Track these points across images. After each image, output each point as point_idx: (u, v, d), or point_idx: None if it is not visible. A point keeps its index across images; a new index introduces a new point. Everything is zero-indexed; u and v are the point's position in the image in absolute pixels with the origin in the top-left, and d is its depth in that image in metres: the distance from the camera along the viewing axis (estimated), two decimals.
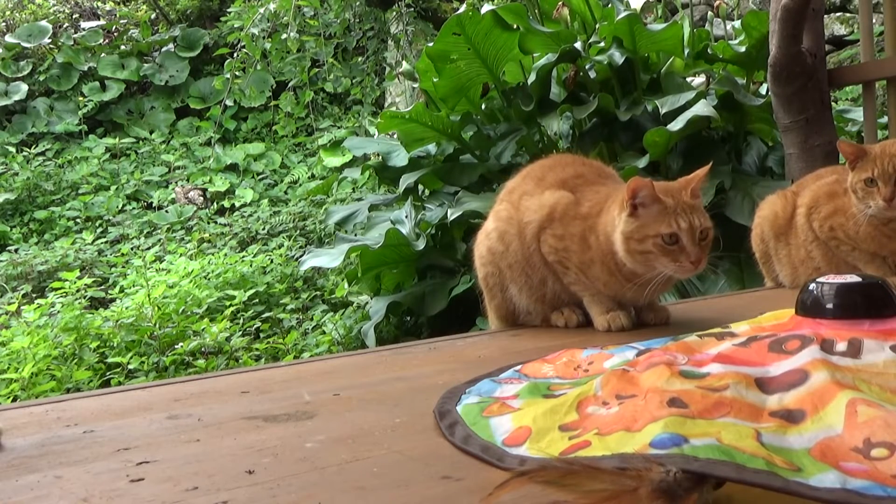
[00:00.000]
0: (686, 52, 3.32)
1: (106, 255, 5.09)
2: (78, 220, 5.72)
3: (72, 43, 7.12)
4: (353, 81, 6.61)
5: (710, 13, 4.62)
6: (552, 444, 0.76)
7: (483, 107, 3.55)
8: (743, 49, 3.20)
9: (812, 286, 0.91)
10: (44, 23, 7.25)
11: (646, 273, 1.35)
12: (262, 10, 5.59)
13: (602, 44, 3.28)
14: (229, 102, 6.54)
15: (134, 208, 5.90)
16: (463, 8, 3.25)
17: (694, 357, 0.87)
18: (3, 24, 7.59)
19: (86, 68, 7.04)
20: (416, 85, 4.19)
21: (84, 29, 7.43)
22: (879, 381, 0.76)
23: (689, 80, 3.23)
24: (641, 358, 0.90)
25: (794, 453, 0.66)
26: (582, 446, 0.73)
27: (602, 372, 0.97)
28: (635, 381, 0.83)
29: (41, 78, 6.91)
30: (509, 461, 0.75)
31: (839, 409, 0.70)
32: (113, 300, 4.20)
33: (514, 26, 3.18)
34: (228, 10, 6.36)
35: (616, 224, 1.35)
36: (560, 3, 3.50)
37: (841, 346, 0.81)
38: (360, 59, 6.71)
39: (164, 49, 7.31)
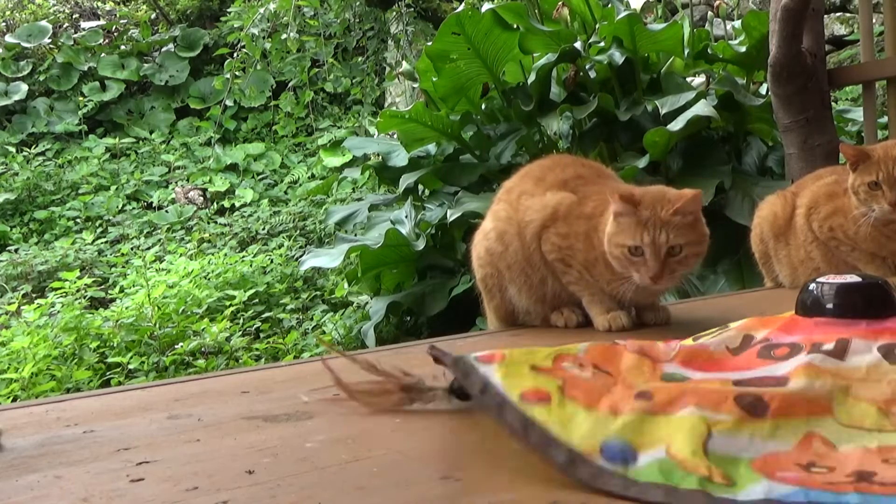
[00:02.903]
0: (686, 52, 3.32)
1: (106, 255, 5.10)
2: (78, 220, 5.72)
3: (72, 43, 7.12)
4: (353, 81, 6.62)
5: (710, 13, 4.62)
6: (519, 377, 0.79)
7: (483, 107, 3.55)
8: (743, 49, 3.20)
9: (812, 286, 0.91)
10: (44, 23, 7.25)
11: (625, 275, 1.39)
12: (262, 10, 5.59)
13: (602, 44, 3.28)
14: (229, 102, 6.55)
15: (134, 208, 5.90)
16: (462, 7, 3.25)
17: (687, 345, 0.88)
18: (3, 24, 7.60)
19: (86, 68, 7.04)
20: (416, 85, 4.19)
21: (84, 29, 7.43)
22: (858, 389, 0.76)
23: (689, 80, 3.23)
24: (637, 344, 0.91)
25: (735, 462, 0.67)
26: (542, 397, 0.75)
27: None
28: (618, 358, 0.85)
29: (41, 78, 6.91)
30: (474, 379, 0.81)
31: (797, 432, 0.71)
32: (113, 300, 4.20)
33: (514, 26, 3.18)
34: (228, 10, 6.37)
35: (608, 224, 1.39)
36: (560, 2, 3.50)
37: (828, 346, 0.82)
38: (360, 59, 6.71)
39: (164, 49, 7.31)
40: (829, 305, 0.88)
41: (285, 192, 6.22)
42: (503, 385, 0.77)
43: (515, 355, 0.83)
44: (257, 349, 3.34)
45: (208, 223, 5.64)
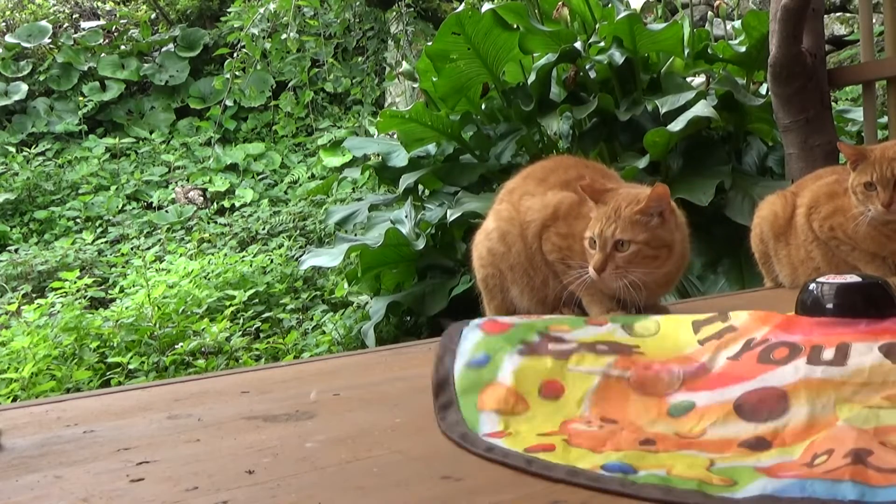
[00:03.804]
0: (686, 52, 3.32)
1: (106, 255, 5.09)
2: (78, 220, 5.72)
3: (72, 43, 7.12)
4: (353, 81, 6.61)
5: (710, 13, 4.62)
6: (525, 440, 0.80)
7: (483, 107, 3.55)
8: (743, 49, 3.20)
9: (812, 286, 0.91)
10: (44, 23, 7.25)
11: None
12: (262, 10, 5.59)
13: (602, 44, 3.28)
14: (229, 102, 6.54)
15: (134, 208, 5.90)
16: (462, 7, 3.25)
17: (691, 368, 0.87)
18: (3, 24, 7.59)
19: (86, 68, 7.04)
20: (416, 85, 4.19)
21: (84, 29, 7.43)
22: (863, 395, 0.76)
23: (689, 80, 3.22)
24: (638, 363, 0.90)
25: (739, 470, 0.68)
26: (547, 448, 0.76)
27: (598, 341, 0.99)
28: (623, 402, 0.85)
29: (41, 78, 6.91)
30: (479, 445, 0.79)
31: (801, 448, 0.72)
32: (113, 300, 4.20)
33: (514, 26, 3.18)
34: (228, 10, 6.36)
35: None
36: (560, 2, 3.50)
37: (828, 353, 0.81)
38: (360, 59, 6.71)
39: (164, 49, 7.30)
40: (829, 305, 0.88)
41: (285, 192, 6.22)
42: (508, 444, 0.79)
43: (523, 432, 0.83)
44: (257, 349, 3.34)
45: (208, 223, 5.64)
